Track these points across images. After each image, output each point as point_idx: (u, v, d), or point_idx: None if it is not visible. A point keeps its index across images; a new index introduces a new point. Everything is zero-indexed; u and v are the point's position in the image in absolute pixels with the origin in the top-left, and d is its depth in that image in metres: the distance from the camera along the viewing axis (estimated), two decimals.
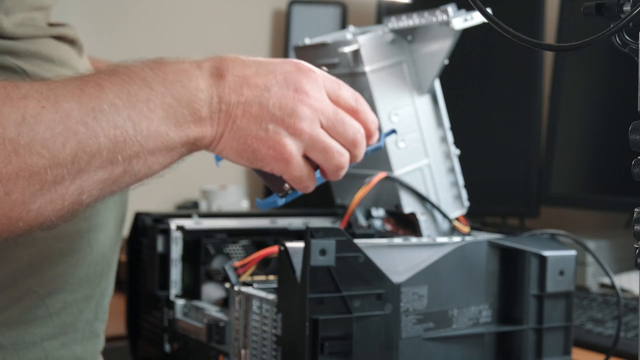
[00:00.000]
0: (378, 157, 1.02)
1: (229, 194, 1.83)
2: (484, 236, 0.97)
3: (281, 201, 0.84)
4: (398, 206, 1.03)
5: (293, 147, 0.76)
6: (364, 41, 1.00)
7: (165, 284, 1.01)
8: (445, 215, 1.04)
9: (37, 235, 0.80)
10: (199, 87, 0.73)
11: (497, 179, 1.74)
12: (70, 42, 0.91)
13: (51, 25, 0.89)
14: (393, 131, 0.93)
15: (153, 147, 0.71)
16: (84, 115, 0.67)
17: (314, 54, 1.06)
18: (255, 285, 0.88)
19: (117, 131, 0.68)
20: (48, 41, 0.87)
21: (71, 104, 0.67)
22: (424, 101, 1.04)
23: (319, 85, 0.78)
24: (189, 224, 1.03)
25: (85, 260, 0.88)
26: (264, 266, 0.93)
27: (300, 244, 0.79)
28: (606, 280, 1.41)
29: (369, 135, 0.83)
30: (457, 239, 0.93)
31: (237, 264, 0.92)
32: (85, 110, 0.67)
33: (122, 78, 0.70)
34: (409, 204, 1.03)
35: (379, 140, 0.86)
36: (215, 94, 0.73)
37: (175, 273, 1.01)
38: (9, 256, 0.82)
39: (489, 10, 0.63)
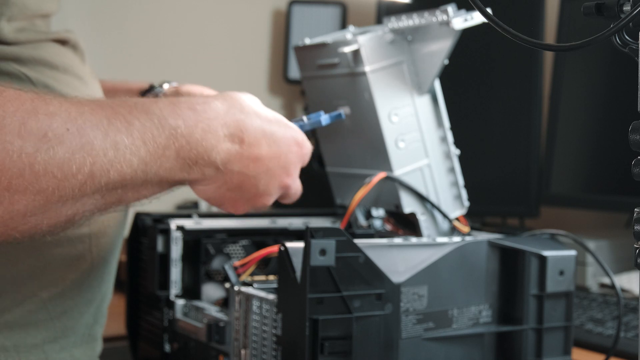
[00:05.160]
0: (378, 157, 1.03)
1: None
2: (484, 236, 0.97)
3: None
4: (398, 206, 1.03)
5: (247, 210, 0.87)
6: (364, 41, 1.00)
7: (165, 284, 1.01)
8: (445, 215, 1.04)
9: (40, 240, 0.81)
10: (215, 147, 0.77)
11: (497, 179, 1.74)
12: (73, 47, 0.91)
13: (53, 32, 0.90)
14: (339, 114, 0.96)
15: (150, 185, 0.75)
16: (106, 147, 0.69)
17: (314, 54, 1.06)
18: (255, 285, 0.88)
19: (129, 170, 0.71)
20: (51, 47, 0.87)
21: (96, 133, 0.68)
22: (424, 101, 1.04)
23: (302, 164, 0.87)
24: (189, 224, 1.03)
25: (87, 265, 0.89)
26: (264, 266, 0.93)
27: (300, 244, 0.79)
28: (606, 280, 1.41)
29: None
30: (457, 239, 0.93)
31: (237, 263, 0.92)
32: (108, 143, 0.69)
33: (152, 120, 0.73)
34: (409, 204, 1.03)
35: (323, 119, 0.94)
36: (224, 157, 0.78)
37: (175, 273, 1.01)
38: (11, 260, 0.82)
39: (489, 10, 0.63)
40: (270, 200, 0.86)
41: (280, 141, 0.83)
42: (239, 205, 0.85)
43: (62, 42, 0.90)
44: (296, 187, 0.88)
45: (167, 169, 0.74)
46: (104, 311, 0.95)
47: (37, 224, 0.68)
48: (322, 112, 0.96)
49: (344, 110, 1.03)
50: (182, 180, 0.77)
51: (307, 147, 0.87)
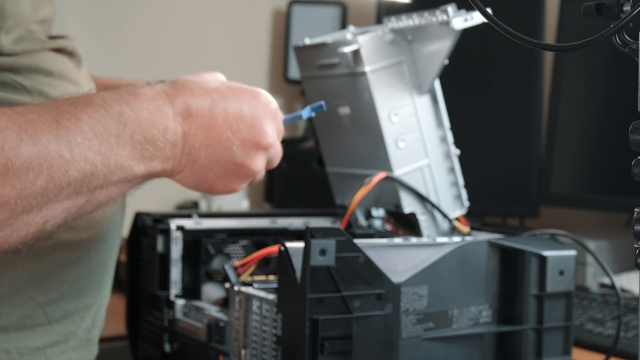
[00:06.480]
0: (378, 157, 1.03)
1: (228, 194, 1.82)
2: (484, 236, 0.97)
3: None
4: (398, 206, 1.03)
5: (242, 185, 0.85)
6: (364, 41, 1.00)
7: (165, 284, 1.01)
8: (445, 215, 1.04)
9: (38, 245, 0.81)
10: (168, 127, 0.76)
11: (497, 179, 1.74)
12: (69, 54, 0.91)
13: (51, 38, 0.89)
14: (320, 105, 0.94)
15: (117, 180, 0.74)
16: (60, 149, 0.69)
17: (314, 54, 1.06)
18: (255, 285, 0.88)
19: (87, 165, 0.71)
20: (47, 54, 0.87)
21: (49, 137, 0.68)
22: (424, 101, 1.05)
23: (276, 123, 0.85)
24: (189, 224, 1.03)
25: (86, 270, 0.89)
26: (264, 266, 0.93)
27: (300, 244, 0.79)
28: (606, 280, 1.41)
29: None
30: (457, 239, 0.93)
31: (237, 263, 0.92)
32: (62, 143, 0.69)
33: (98, 111, 0.73)
34: (409, 204, 1.03)
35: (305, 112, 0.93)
36: (181, 136, 0.77)
37: (175, 273, 1.01)
38: (10, 264, 0.82)
39: (489, 10, 0.63)
40: (256, 165, 0.83)
41: (237, 103, 0.81)
42: (228, 182, 0.83)
43: (59, 49, 0.90)
44: (277, 148, 0.86)
45: (127, 157, 0.73)
46: (102, 315, 0.95)
47: (6, 238, 0.68)
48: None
49: (343, 110, 1.03)
50: (151, 171, 0.76)
51: (270, 99, 0.85)
